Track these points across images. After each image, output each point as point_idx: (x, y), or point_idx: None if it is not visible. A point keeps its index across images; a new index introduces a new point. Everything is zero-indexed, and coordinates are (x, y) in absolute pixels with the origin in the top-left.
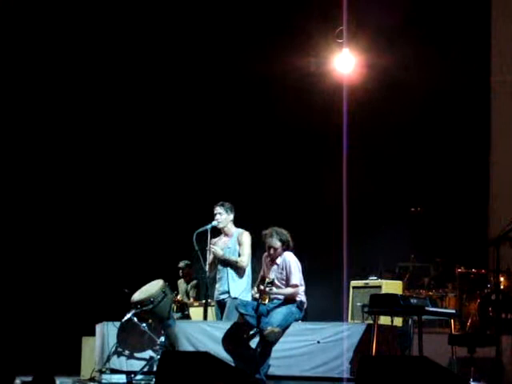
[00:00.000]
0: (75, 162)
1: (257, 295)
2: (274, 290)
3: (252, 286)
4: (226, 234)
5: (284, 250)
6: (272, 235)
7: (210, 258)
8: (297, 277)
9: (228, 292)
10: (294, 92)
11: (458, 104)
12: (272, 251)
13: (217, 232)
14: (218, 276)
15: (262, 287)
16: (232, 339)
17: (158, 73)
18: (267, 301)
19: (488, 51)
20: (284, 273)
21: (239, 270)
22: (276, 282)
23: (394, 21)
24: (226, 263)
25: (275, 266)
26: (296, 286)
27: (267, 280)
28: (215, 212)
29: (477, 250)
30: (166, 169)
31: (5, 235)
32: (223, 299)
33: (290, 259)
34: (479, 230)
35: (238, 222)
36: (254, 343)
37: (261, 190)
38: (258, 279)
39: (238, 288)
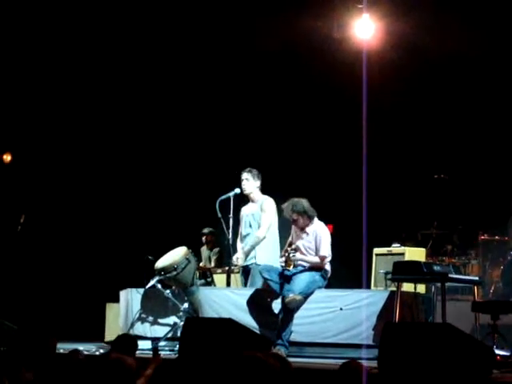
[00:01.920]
0: (93, 140)
1: (283, 261)
2: (298, 255)
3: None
4: (253, 201)
5: (308, 219)
6: (288, 208)
7: (241, 226)
8: (326, 248)
9: (254, 257)
10: (316, 58)
11: (479, 71)
12: (294, 222)
13: (240, 199)
14: (243, 243)
15: (286, 253)
16: (255, 305)
17: (167, 38)
18: (292, 267)
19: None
20: (313, 243)
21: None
22: (302, 249)
23: None
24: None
25: (305, 235)
26: (324, 257)
27: (292, 247)
28: (242, 178)
29: (500, 218)
30: (192, 136)
31: (35, 205)
32: (248, 265)
33: (320, 230)
34: (503, 198)
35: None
36: (276, 309)
37: (282, 155)
38: (286, 245)
39: (263, 255)
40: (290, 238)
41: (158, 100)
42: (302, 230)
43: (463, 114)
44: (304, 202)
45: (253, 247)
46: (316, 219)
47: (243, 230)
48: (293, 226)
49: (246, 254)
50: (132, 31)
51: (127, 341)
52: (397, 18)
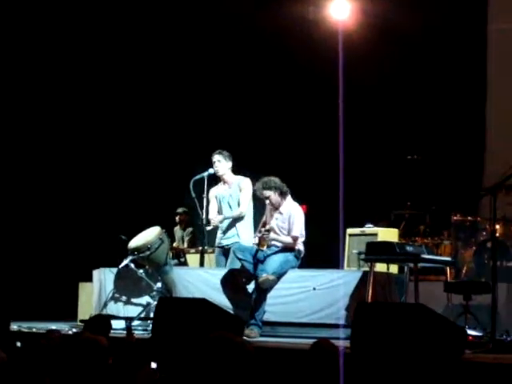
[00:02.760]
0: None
1: (256, 240)
2: (271, 235)
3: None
4: (226, 182)
5: (281, 196)
6: (259, 186)
7: (213, 206)
8: (298, 229)
9: (237, 235)
10: (290, 39)
11: (454, 50)
12: (267, 201)
13: (214, 179)
14: (222, 224)
15: (259, 233)
16: (229, 285)
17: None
18: (265, 247)
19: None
20: (286, 223)
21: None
22: (276, 229)
23: None
24: (229, 211)
25: (279, 214)
26: (296, 238)
27: (266, 227)
28: (213, 160)
29: (472, 198)
30: (164, 116)
31: (6, 183)
32: (227, 245)
33: (294, 211)
34: (474, 178)
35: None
36: (250, 289)
37: (257, 136)
38: (260, 225)
39: (245, 235)
40: (264, 218)
41: (128, 79)
42: (276, 209)
43: (437, 95)
44: (275, 179)
45: (232, 217)
46: (290, 199)
47: (222, 212)
48: (267, 207)
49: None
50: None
51: (101, 321)
52: None
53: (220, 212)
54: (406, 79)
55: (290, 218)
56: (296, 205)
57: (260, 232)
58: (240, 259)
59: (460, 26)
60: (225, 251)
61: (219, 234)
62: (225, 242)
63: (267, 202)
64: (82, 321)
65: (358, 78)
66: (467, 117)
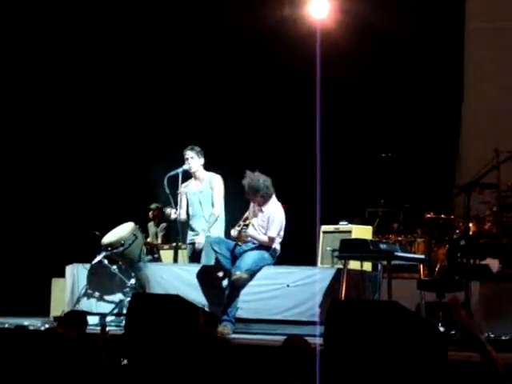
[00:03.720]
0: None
1: (235, 234)
2: (249, 231)
3: (228, 227)
4: (197, 178)
5: (262, 198)
6: (245, 182)
7: (183, 202)
8: (275, 230)
9: (208, 231)
10: (268, 37)
11: (431, 50)
12: (248, 196)
13: (188, 176)
14: (190, 220)
15: (238, 227)
16: (202, 282)
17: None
18: (242, 242)
19: None
20: (265, 222)
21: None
22: (256, 227)
23: None
24: (199, 208)
25: (260, 213)
26: (273, 238)
27: (245, 222)
28: (186, 156)
29: (446, 196)
30: (139, 110)
31: None
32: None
33: (274, 211)
34: (448, 176)
35: (209, 166)
36: (224, 285)
37: (234, 132)
38: (242, 219)
39: (215, 231)
40: (246, 213)
41: (103, 74)
42: (259, 207)
43: (412, 94)
44: (261, 180)
45: (211, 224)
46: (274, 199)
47: (192, 208)
48: (251, 202)
49: (206, 232)
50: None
51: (76, 317)
52: None
53: (190, 209)
54: (382, 78)
55: (270, 218)
56: (278, 206)
57: (239, 226)
58: (216, 252)
59: (438, 26)
60: (196, 248)
61: (190, 231)
62: (194, 238)
63: (248, 196)
64: (55, 318)
65: (335, 76)
66: (442, 115)
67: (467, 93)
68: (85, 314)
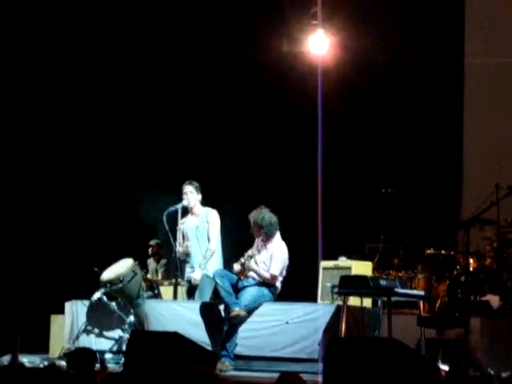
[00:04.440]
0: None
1: (238, 268)
2: (252, 263)
3: (228, 263)
4: (194, 214)
5: (265, 235)
6: (251, 216)
7: (179, 238)
8: (278, 268)
9: (206, 268)
10: (269, 73)
11: (431, 85)
12: (252, 232)
13: (186, 211)
14: (189, 255)
15: (242, 260)
16: (202, 318)
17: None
18: (244, 276)
19: (462, 34)
20: (268, 259)
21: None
22: (258, 262)
23: (367, 2)
24: (196, 243)
25: (263, 249)
26: (275, 276)
27: (248, 253)
28: (184, 191)
29: (447, 232)
30: (136, 147)
31: None
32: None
33: (277, 249)
34: (449, 212)
35: (214, 201)
36: (223, 321)
37: (235, 168)
38: (246, 254)
39: (212, 266)
40: (252, 249)
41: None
42: (263, 243)
43: (413, 129)
44: (266, 217)
45: (207, 260)
46: (278, 237)
47: (189, 243)
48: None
49: (202, 268)
50: None
51: (85, 354)
52: (352, 34)
53: (187, 244)
54: (383, 113)
55: (272, 256)
56: (282, 244)
57: (243, 258)
58: (217, 284)
59: (438, 61)
60: (190, 283)
61: (187, 267)
62: (191, 275)
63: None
64: (65, 354)
65: (336, 111)
66: (444, 151)
67: (467, 127)
68: (94, 352)
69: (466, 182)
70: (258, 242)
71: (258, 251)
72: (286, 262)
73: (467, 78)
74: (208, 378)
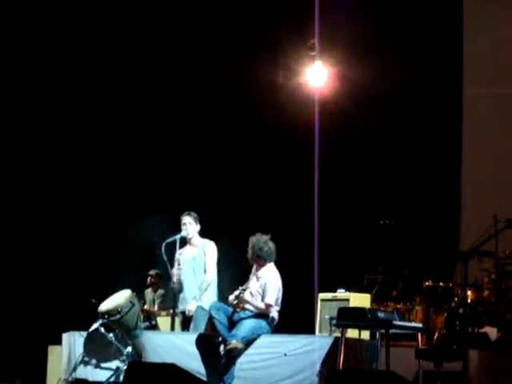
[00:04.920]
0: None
1: (233, 299)
2: (247, 295)
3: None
4: (192, 244)
5: (260, 260)
6: (250, 243)
7: (175, 269)
8: (272, 297)
9: (200, 299)
10: (266, 104)
11: (429, 117)
12: (247, 253)
13: (184, 242)
14: (183, 286)
15: (236, 292)
16: (199, 350)
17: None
18: (240, 309)
19: (460, 64)
20: (262, 288)
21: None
22: (253, 292)
23: (366, 33)
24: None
25: (255, 278)
26: (270, 305)
27: (242, 287)
28: (183, 221)
29: (445, 264)
30: (134, 177)
31: None
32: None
33: (269, 277)
34: (447, 244)
35: (212, 233)
36: (220, 353)
37: (233, 201)
38: (240, 287)
39: (207, 298)
40: (247, 283)
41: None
42: (256, 272)
43: (411, 161)
44: (262, 244)
45: (202, 291)
46: (271, 266)
47: (185, 274)
48: (253, 267)
49: (197, 299)
50: None
51: None
52: (350, 65)
53: (183, 275)
54: (381, 145)
55: (266, 285)
56: (275, 273)
57: (238, 290)
58: (213, 318)
59: (436, 91)
60: (185, 315)
61: (181, 298)
62: (186, 307)
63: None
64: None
65: (333, 144)
66: (442, 182)
67: (465, 159)
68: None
69: (464, 214)
70: (252, 272)
71: (252, 281)
72: (281, 291)
73: (466, 108)
74: None
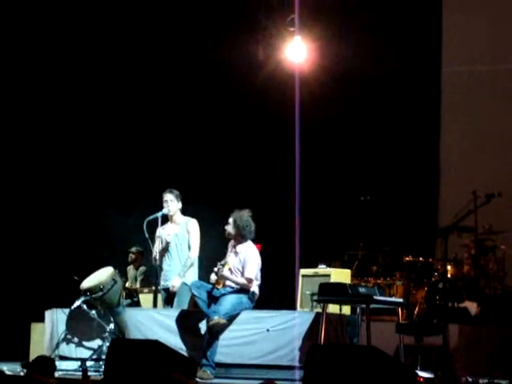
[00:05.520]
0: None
1: (214, 279)
2: (225, 271)
3: (203, 273)
4: (174, 222)
5: (240, 236)
6: (232, 220)
7: (157, 246)
8: (252, 271)
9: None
10: (246, 80)
11: (408, 93)
12: (226, 229)
13: (165, 220)
14: (166, 263)
15: (215, 269)
16: (181, 326)
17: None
18: (221, 286)
19: (439, 41)
20: (241, 263)
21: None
22: (232, 269)
23: (345, 8)
24: (175, 251)
25: (233, 254)
26: (250, 280)
27: (221, 262)
28: (165, 199)
29: (425, 239)
30: (115, 156)
31: None
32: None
33: (249, 252)
34: (428, 220)
35: (189, 208)
36: (203, 330)
37: (214, 175)
38: (219, 263)
39: (190, 275)
40: (225, 258)
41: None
42: (234, 247)
43: (390, 137)
44: (247, 221)
45: (186, 268)
46: (249, 243)
47: (168, 251)
48: (229, 243)
49: (181, 276)
50: None
51: (45, 362)
52: (329, 41)
53: (165, 252)
54: (361, 120)
55: (245, 260)
56: (253, 248)
57: (216, 267)
58: (195, 296)
59: (415, 69)
60: (167, 292)
61: (164, 275)
62: (167, 284)
63: (226, 232)
64: (23, 365)
65: (313, 120)
66: (421, 158)
67: (444, 135)
68: (53, 359)
69: (442, 190)
70: (230, 250)
71: (231, 257)
72: (259, 265)
73: (444, 85)
74: None
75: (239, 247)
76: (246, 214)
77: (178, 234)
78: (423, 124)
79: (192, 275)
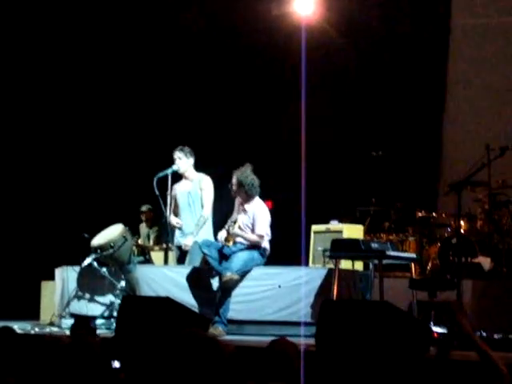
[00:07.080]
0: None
1: (223, 235)
2: (236, 229)
3: (215, 230)
4: (187, 179)
5: (245, 195)
6: (235, 178)
7: (171, 204)
8: (262, 227)
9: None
10: (255, 35)
11: (416, 47)
12: (231, 188)
13: (178, 177)
14: (180, 220)
15: (226, 226)
16: (193, 283)
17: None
18: (231, 243)
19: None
20: (250, 220)
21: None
22: (242, 226)
23: None
24: (187, 209)
25: (243, 212)
26: (261, 236)
27: (231, 219)
28: (174, 157)
29: (431, 194)
30: (127, 113)
31: None
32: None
33: (257, 208)
34: (432, 175)
35: (197, 164)
36: (215, 287)
37: (222, 131)
38: (229, 221)
39: (203, 233)
40: (234, 213)
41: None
42: (242, 206)
43: (400, 91)
44: (249, 177)
45: (200, 227)
46: (257, 199)
47: (181, 209)
48: (236, 200)
49: (194, 235)
50: None
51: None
52: None
53: (179, 210)
54: (370, 75)
55: (254, 216)
56: (262, 204)
57: (226, 225)
58: (205, 254)
59: (423, 23)
60: (181, 249)
61: (177, 233)
62: (181, 241)
63: (231, 188)
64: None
65: (322, 74)
66: (426, 113)
67: (450, 88)
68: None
69: (450, 146)
70: (237, 206)
71: (240, 215)
72: (269, 221)
73: (452, 38)
74: (210, 344)
75: (247, 205)
76: (248, 171)
77: (191, 192)
78: (430, 77)
79: (206, 233)
